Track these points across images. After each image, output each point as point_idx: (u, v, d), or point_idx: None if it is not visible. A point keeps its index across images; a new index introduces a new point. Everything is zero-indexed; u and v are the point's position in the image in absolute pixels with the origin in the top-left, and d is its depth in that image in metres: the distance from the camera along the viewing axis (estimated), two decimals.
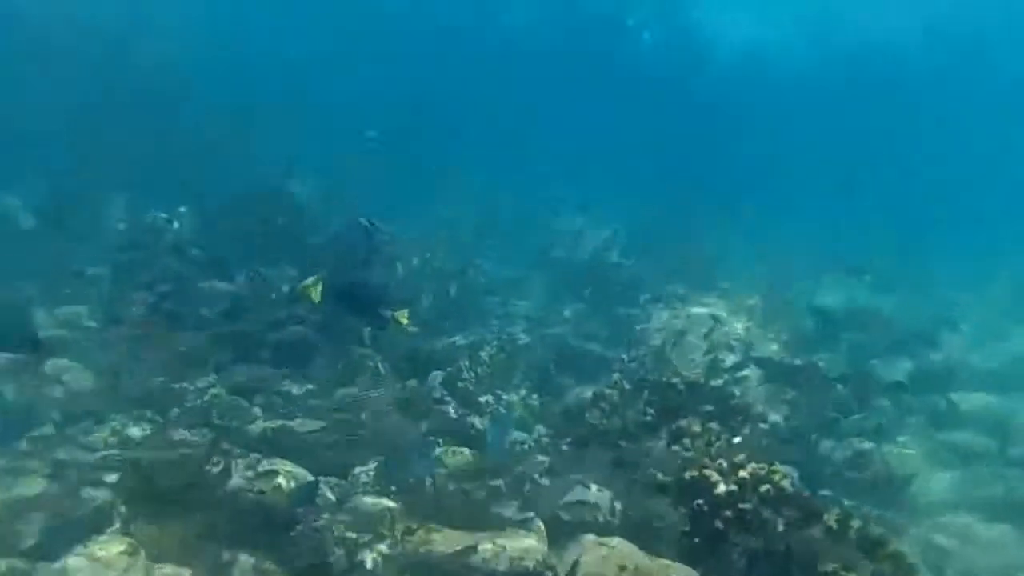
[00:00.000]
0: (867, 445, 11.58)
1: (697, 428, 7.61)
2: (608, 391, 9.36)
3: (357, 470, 9.26)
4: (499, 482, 8.52)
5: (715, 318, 12.65)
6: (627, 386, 9.25)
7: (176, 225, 15.83)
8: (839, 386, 13.35)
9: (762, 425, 8.91)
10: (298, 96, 29.51)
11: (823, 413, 12.44)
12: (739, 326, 12.73)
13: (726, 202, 25.35)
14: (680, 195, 24.99)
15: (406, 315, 9.22)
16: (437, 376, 11.70)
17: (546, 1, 39.75)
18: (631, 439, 8.88)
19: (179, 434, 9.69)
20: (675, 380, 9.08)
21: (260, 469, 8.36)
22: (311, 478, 8.80)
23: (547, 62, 44.15)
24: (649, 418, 8.91)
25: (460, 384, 10.81)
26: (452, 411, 10.11)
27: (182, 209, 16.49)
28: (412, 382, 12.16)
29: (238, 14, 38.77)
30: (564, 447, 9.41)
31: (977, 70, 39.96)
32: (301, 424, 9.86)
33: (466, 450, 9.11)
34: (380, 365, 12.02)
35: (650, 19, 40.24)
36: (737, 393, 9.22)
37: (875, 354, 15.81)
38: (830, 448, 11.66)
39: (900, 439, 12.98)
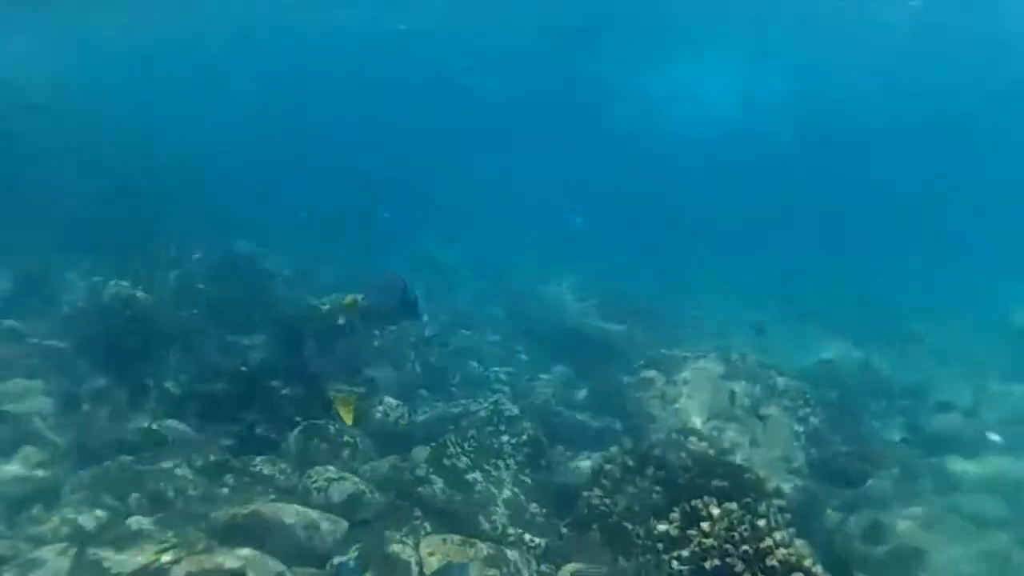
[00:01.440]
0: (880, 516, 10.90)
1: (715, 510, 6.89)
2: (609, 467, 8.62)
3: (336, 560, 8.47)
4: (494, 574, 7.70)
5: (713, 383, 11.97)
6: (629, 461, 8.52)
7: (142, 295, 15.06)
8: (845, 449, 12.78)
9: (778, 502, 8.18)
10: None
11: (832, 479, 11.80)
12: (737, 389, 12.05)
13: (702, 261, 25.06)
14: (654, 259, 24.66)
15: (350, 400, 8.54)
16: (422, 452, 10.93)
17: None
18: (638, 521, 8.12)
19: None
20: (682, 454, 8.37)
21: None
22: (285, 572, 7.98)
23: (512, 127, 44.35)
24: (656, 497, 8.18)
25: (447, 461, 10.01)
26: (438, 491, 9.29)
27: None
28: (393, 458, 11.42)
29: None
30: (563, 529, 8.61)
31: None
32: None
33: (456, 536, 8.26)
34: (358, 440, 11.22)
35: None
36: (748, 465, 8.50)
37: (871, 413, 15.31)
38: (843, 518, 10.98)
39: (910, 507, 12.30)
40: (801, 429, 11.66)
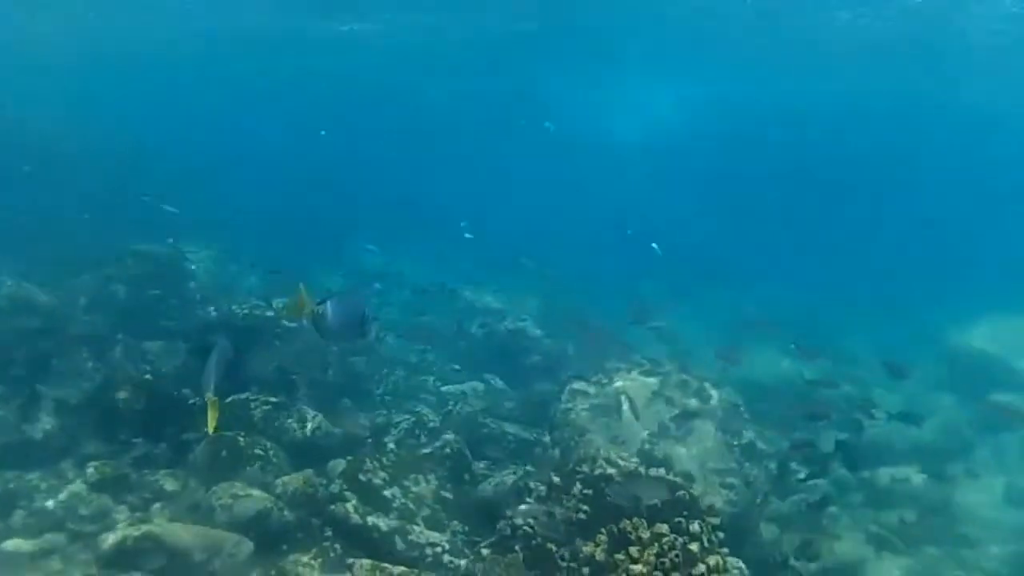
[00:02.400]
0: (814, 530, 10.60)
1: (645, 534, 6.40)
2: (533, 484, 8.10)
3: None
4: None
5: (646, 396, 11.54)
6: (555, 478, 8.00)
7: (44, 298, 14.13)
8: (778, 462, 12.46)
9: (711, 520, 7.74)
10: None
11: (765, 493, 11.46)
12: (674, 401, 11.63)
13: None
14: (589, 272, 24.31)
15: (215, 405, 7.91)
16: (338, 466, 10.28)
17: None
18: (563, 542, 7.60)
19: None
20: (611, 471, 7.88)
21: None
22: None
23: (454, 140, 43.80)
24: (584, 516, 7.67)
25: (363, 476, 9.36)
26: (351, 509, 8.64)
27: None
28: (308, 472, 10.75)
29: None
30: (483, 550, 8.05)
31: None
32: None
33: (366, 561, 7.60)
34: (271, 452, 10.52)
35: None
36: (680, 482, 8.05)
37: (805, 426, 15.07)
38: (776, 534, 10.67)
39: (843, 520, 12.05)
40: (735, 442, 11.27)
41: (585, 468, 7.94)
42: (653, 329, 15.23)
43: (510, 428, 12.77)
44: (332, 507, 8.60)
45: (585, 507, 7.67)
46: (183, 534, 8.10)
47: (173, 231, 17.72)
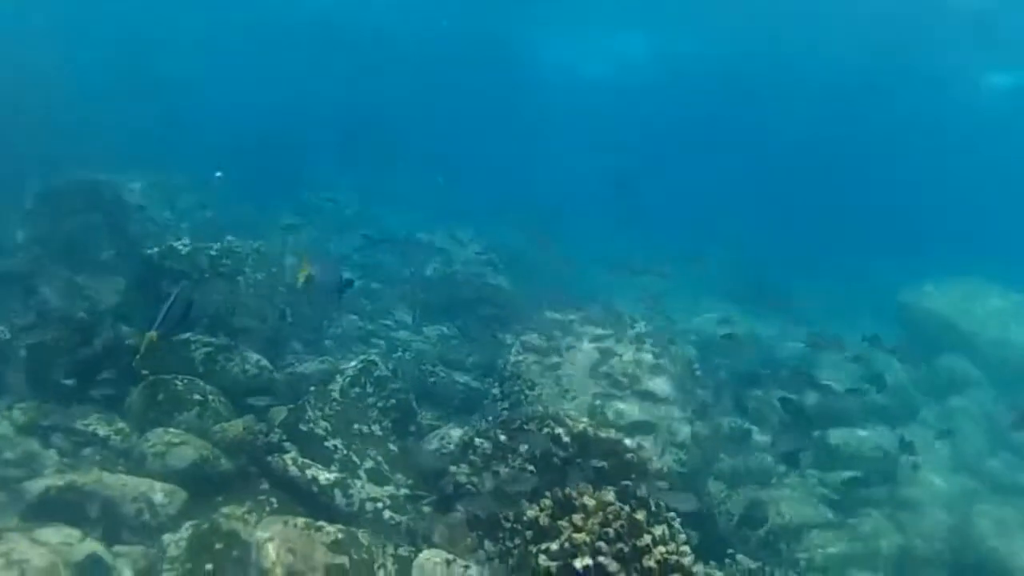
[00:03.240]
0: (760, 493, 10.54)
1: (590, 501, 6.17)
2: (479, 441, 7.84)
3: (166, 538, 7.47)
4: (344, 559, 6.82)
5: (601, 350, 11.32)
6: (501, 436, 7.75)
7: None
8: (730, 420, 12.43)
9: (661, 484, 7.57)
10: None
11: (717, 452, 11.41)
12: (627, 357, 11.43)
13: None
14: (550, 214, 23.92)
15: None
16: (280, 413, 9.96)
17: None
18: (507, 503, 7.39)
19: None
20: (559, 430, 7.65)
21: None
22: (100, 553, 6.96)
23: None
24: (529, 477, 7.44)
25: (304, 426, 9.03)
26: (289, 461, 8.31)
27: None
28: (248, 419, 10.41)
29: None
30: (425, 508, 7.82)
31: None
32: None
33: (300, 519, 7.22)
34: (211, 398, 10.13)
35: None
36: (631, 444, 7.84)
37: (758, 385, 15.02)
38: (726, 494, 10.59)
39: (790, 482, 12.02)
40: (687, 400, 11.14)
41: (532, 427, 7.68)
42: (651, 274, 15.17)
43: (460, 377, 12.50)
44: (269, 459, 8.25)
45: (530, 468, 7.44)
46: (112, 484, 7.74)
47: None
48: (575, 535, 5.78)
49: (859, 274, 21.49)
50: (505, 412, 10.09)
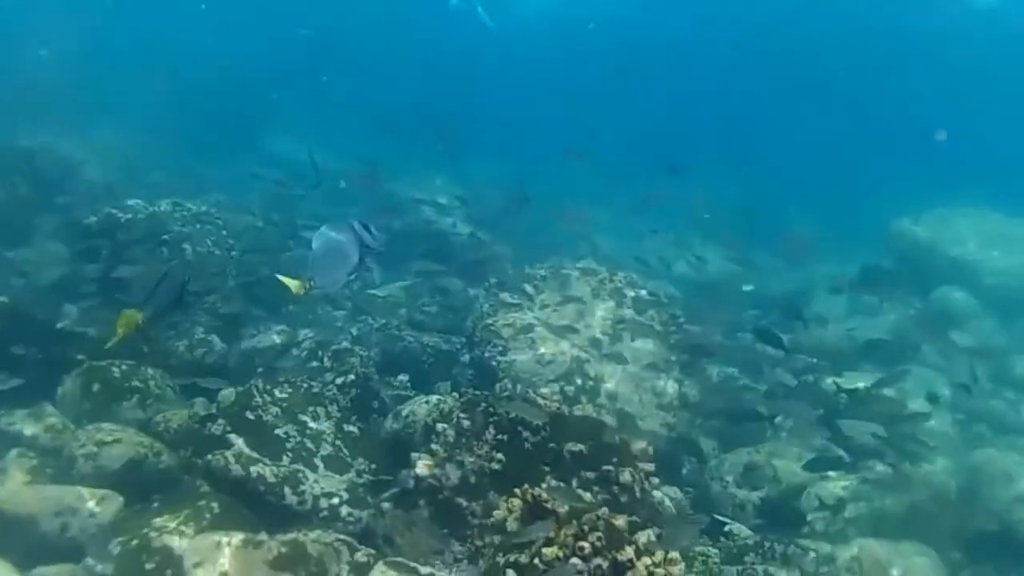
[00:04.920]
0: (756, 455, 9.78)
1: (562, 508, 5.34)
2: (442, 427, 6.99)
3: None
4: None
5: (577, 306, 10.45)
6: (464, 420, 6.90)
7: None
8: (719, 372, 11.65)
9: (645, 466, 6.77)
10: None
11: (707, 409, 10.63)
12: (605, 313, 10.56)
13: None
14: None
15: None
16: (228, 396, 9.08)
17: None
18: (473, 497, 6.58)
19: None
20: (532, 410, 6.80)
21: None
22: None
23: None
24: (498, 466, 6.62)
25: (251, 414, 8.14)
26: (231, 458, 7.43)
27: None
28: (199, 402, 9.58)
29: None
30: (384, 504, 7.00)
31: None
32: None
33: (236, 536, 6.33)
34: (153, 383, 9.24)
35: None
36: (611, 423, 7.02)
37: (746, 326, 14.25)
38: (718, 458, 9.84)
39: (784, 435, 11.25)
40: (674, 358, 10.32)
41: (500, 409, 6.83)
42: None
43: (429, 340, 11.57)
44: (210, 457, 7.38)
45: (499, 456, 6.61)
46: (28, 498, 6.88)
47: None
48: (546, 549, 4.97)
49: (852, 207, 20.59)
50: (472, 384, 9.24)
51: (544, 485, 5.72)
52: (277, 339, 10.74)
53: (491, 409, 6.88)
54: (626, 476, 6.46)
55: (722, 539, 8.38)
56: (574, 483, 6.49)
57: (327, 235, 6.37)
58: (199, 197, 14.12)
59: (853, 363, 13.25)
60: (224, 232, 12.57)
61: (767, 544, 8.05)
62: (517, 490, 5.86)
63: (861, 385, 11.48)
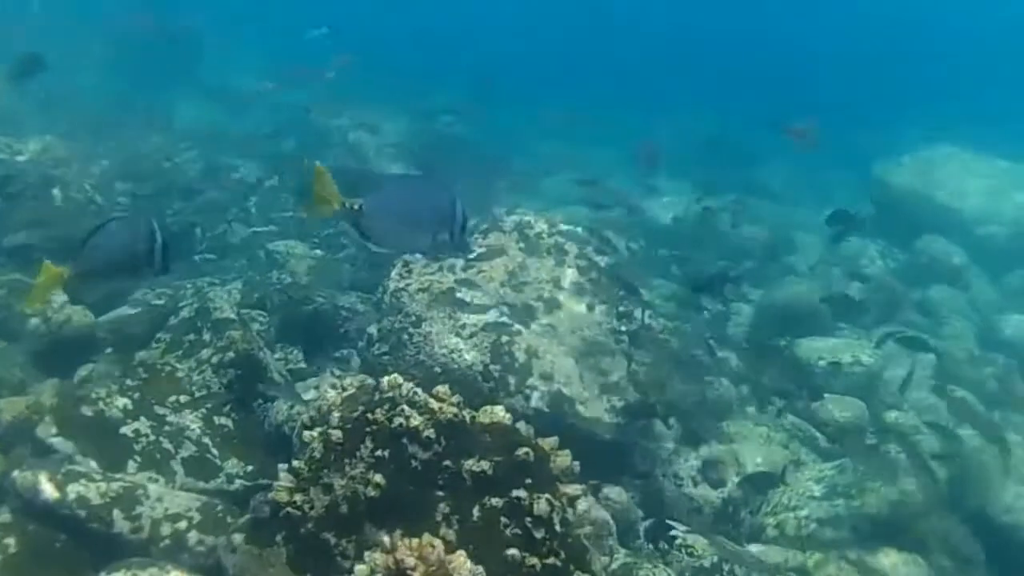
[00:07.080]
0: (714, 448, 8.33)
1: (460, 561, 3.76)
2: (309, 435, 5.41)
3: None
4: None
5: (503, 261, 8.84)
6: (334, 430, 5.32)
7: None
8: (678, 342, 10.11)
9: (569, 489, 5.26)
10: None
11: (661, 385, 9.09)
12: (545, 272, 8.98)
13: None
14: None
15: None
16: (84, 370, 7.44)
17: None
18: (343, 533, 5.05)
19: None
20: (420, 417, 5.23)
21: None
22: None
23: None
24: (375, 492, 5.07)
25: (87, 408, 6.51)
26: (45, 478, 5.80)
27: None
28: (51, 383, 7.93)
29: None
30: (235, 539, 5.43)
31: None
32: None
33: None
34: None
35: None
36: (523, 431, 5.47)
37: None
38: (672, 457, 8.35)
39: (749, 413, 9.79)
40: (623, 328, 8.78)
41: (380, 415, 5.26)
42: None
43: (345, 300, 9.91)
44: (14, 475, 5.75)
45: (378, 480, 5.05)
46: None
47: None
48: None
49: (835, 149, 19.06)
50: (382, 365, 7.66)
51: (405, 543, 4.16)
52: (153, 304, 9.01)
53: (368, 415, 5.29)
54: (542, 505, 4.93)
55: (673, 552, 6.98)
56: (475, 513, 4.98)
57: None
58: None
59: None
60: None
61: (726, 568, 6.61)
62: (385, 538, 4.33)
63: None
